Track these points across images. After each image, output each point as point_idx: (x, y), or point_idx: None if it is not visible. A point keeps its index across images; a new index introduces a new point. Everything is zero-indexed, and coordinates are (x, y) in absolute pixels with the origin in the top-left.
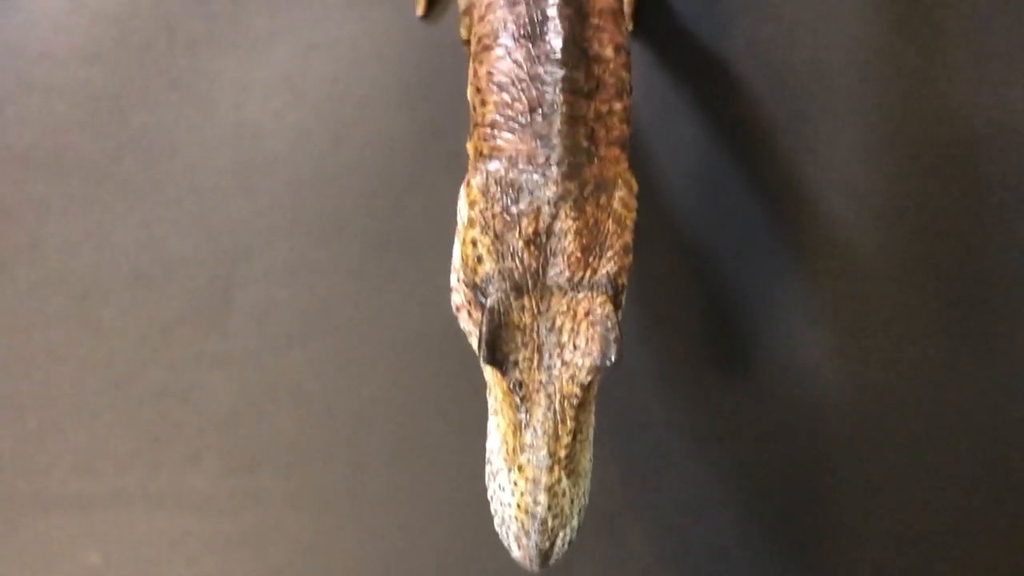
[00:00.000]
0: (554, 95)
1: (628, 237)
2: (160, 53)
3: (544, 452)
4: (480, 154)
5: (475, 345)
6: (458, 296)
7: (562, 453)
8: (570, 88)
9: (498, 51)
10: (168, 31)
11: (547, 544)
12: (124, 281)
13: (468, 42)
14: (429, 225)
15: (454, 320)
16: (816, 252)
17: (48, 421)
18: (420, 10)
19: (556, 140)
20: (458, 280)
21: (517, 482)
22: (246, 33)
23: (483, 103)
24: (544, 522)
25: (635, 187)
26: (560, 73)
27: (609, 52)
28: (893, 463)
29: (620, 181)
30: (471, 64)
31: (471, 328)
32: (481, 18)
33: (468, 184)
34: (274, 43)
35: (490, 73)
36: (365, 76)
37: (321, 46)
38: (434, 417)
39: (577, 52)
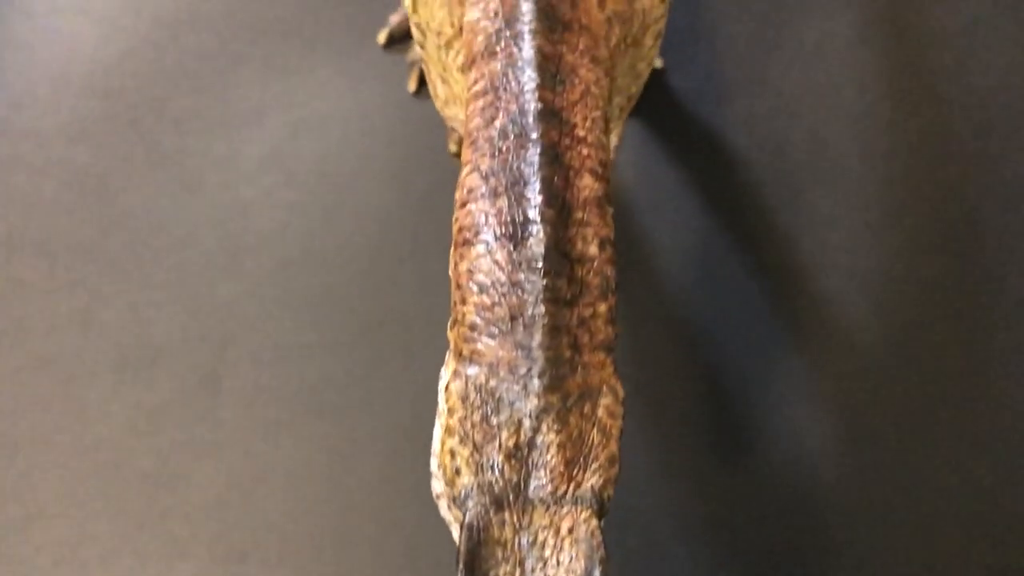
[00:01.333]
0: (535, 307)
1: (614, 447)
2: (147, 130)
3: None
4: (460, 354)
5: (455, 535)
6: (437, 485)
7: None
8: (552, 298)
9: (479, 248)
10: (155, 107)
11: None
12: (110, 364)
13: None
14: (421, 305)
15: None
16: (815, 335)
17: (32, 509)
18: (412, 86)
19: (538, 352)
20: (438, 467)
21: None
22: (235, 109)
23: (463, 301)
24: None
25: (621, 393)
26: (541, 283)
27: (593, 250)
28: (893, 549)
29: (605, 388)
30: (452, 252)
31: (450, 519)
32: (462, 203)
33: (447, 387)
34: (263, 119)
35: (470, 271)
36: (355, 153)
37: (311, 122)
38: (426, 504)
39: (559, 258)
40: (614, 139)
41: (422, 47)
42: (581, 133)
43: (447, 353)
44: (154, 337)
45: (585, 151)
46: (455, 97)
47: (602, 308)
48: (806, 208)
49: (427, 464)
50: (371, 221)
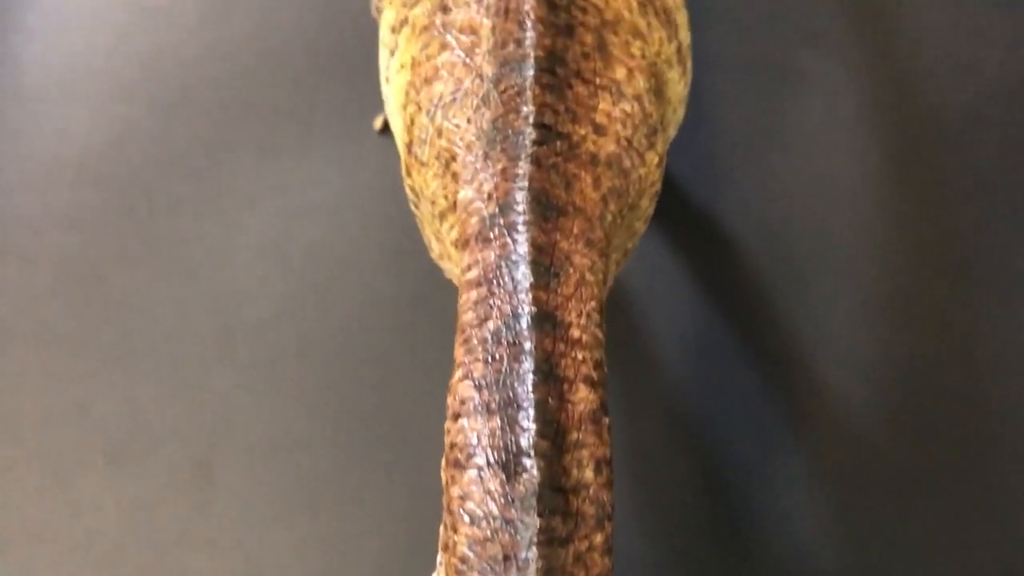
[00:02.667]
0: (528, 549)
1: None
2: (140, 217)
3: None
4: None
5: None
6: None
7: None
8: (546, 539)
9: (471, 473)
10: (149, 195)
11: None
12: (103, 456)
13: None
14: (416, 396)
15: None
16: (814, 421)
17: None
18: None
19: None
20: None
21: None
22: (229, 196)
23: (455, 528)
24: None
25: None
26: (535, 524)
27: (589, 475)
28: None
29: None
30: (444, 467)
31: None
32: (455, 416)
33: None
34: (257, 206)
35: (462, 498)
36: (350, 239)
37: (305, 209)
38: None
39: (553, 495)
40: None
41: (416, 207)
42: (576, 334)
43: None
44: (148, 428)
45: (580, 356)
46: (449, 255)
47: (598, 539)
48: (804, 293)
49: (422, 559)
50: (366, 310)
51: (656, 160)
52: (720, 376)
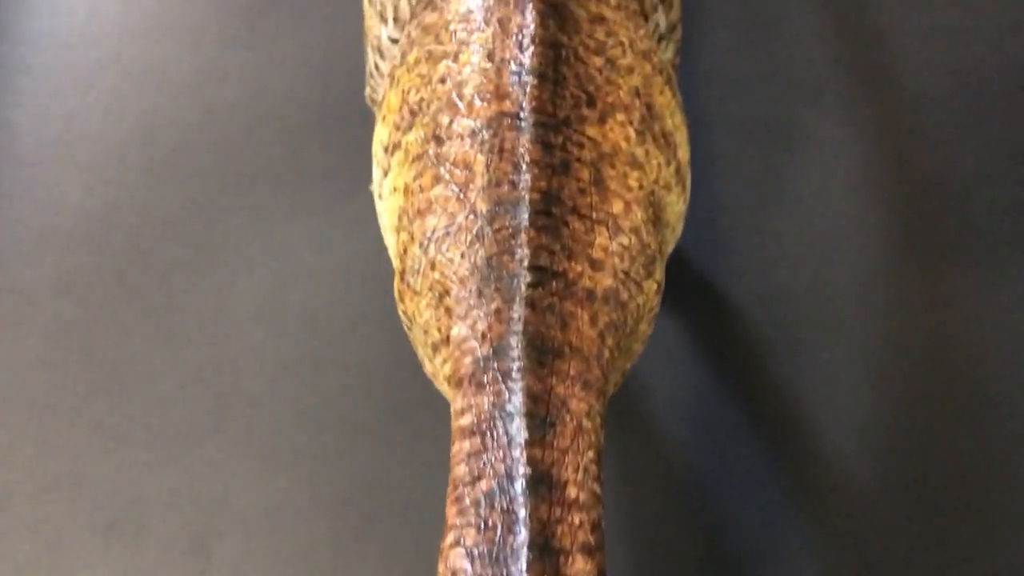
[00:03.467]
0: None
1: None
2: (134, 283)
3: None
4: None
5: None
6: None
7: None
8: None
9: None
10: (142, 260)
11: None
12: (97, 528)
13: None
14: (412, 465)
15: None
16: (818, 492)
17: None
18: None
19: None
20: None
21: None
22: (223, 261)
23: None
24: None
25: None
26: None
27: None
28: None
29: None
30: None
31: None
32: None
33: None
34: (252, 271)
35: None
36: (346, 305)
37: (301, 274)
38: None
39: None
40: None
41: (409, 330)
42: (572, 493)
43: None
44: (142, 499)
45: (577, 520)
46: (442, 383)
47: None
48: (807, 360)
49: None
50: (362, 377)
51: (655, 287)
52: (720, 442)
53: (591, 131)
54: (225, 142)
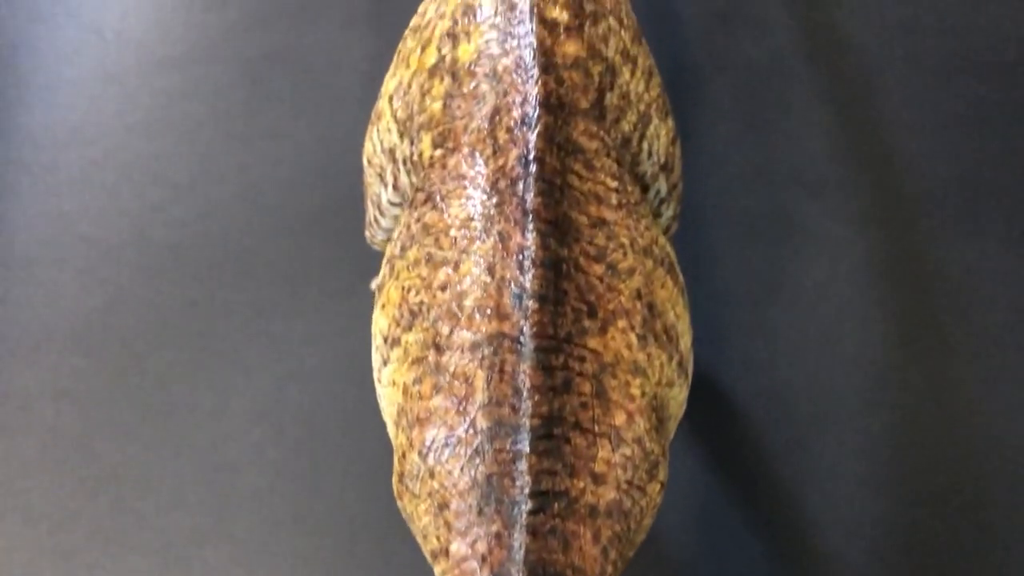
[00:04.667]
0: None
1: None
2: (131, 386)
3: None
4: None
5: None
6: None
7: None
8: None
9: None
10: (139, 362)
11: None
12: None
13: None
14: (414, 569)
15: None
16: None
17: None
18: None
19: None
20: None
21: None
22: (221, 362)
23: None
24: None
25: None
26: None
27: None
28: None
29: None
30: None
31: None
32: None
33: None
34: (251, 372)
35: None
36: (345, 405)
37: (300, 373)
38: None
39: None
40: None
41: (409, 523)
42: None
43: None
44: None
45: None
46: None
47: None
48: (807, 459)
49: None
50: (361, 478)
51: (658, 488)
52: (721, 543)
53: (593, 343)
54: (223, 240)
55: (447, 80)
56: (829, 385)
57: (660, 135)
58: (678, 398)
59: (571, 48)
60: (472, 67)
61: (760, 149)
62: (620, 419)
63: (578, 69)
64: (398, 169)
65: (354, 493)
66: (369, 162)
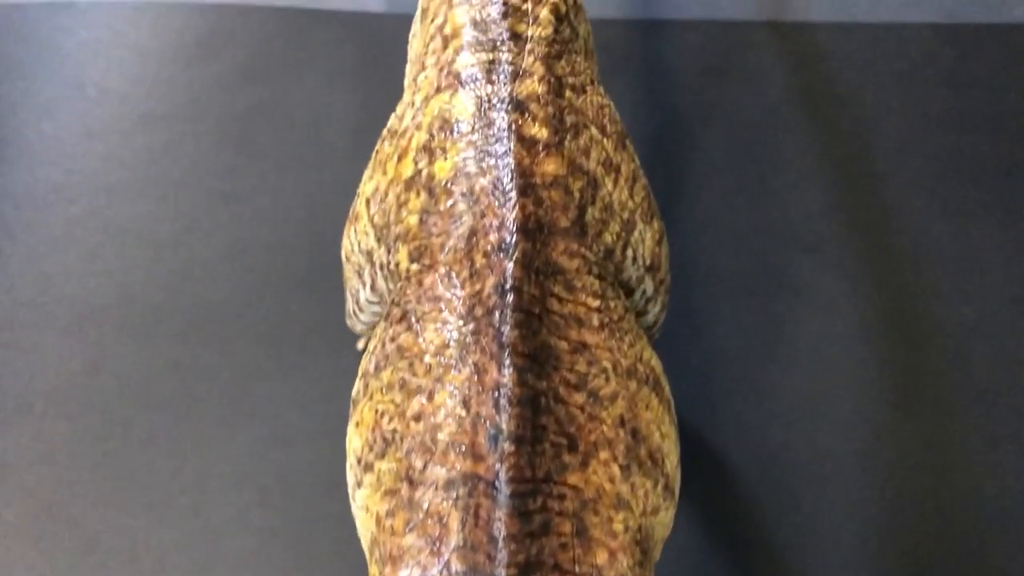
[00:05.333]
0: None
1: None
2: (114, 451)
3: None
4: None
5: None
6: None
7: None
8: None
9: None
10: (122, 426)
11: None
12: None
13: None
14: None
15: None
16: None
17: None
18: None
19: None
20: None
21: None
22: (204, 424)
23: None
24: None
25: None
26: None
27: None
28: None
29: None
30: None
31: None
32: None
33: None
34: (235, 434)
35: None
36: (330, 468)
37: (284, 436)
38: None
39: None
40: None
41: None
42: None
43: None
44: None
45: None
46: None
47: None
48: (804, 522)
49: None
50: (349, 544)
51: None
52: None
53: (573, 479)
54: (206, 300)
55: (424, 195)
56: (825, 446)
57: (645, 239)
58: (664, 521)
59: (550, 167)
60: (449, 185)
61: (753, 205)
62: (602, 558)
63: (558, 188)
64: (375, 272)
65: (340, 560)
66: (347, 258)
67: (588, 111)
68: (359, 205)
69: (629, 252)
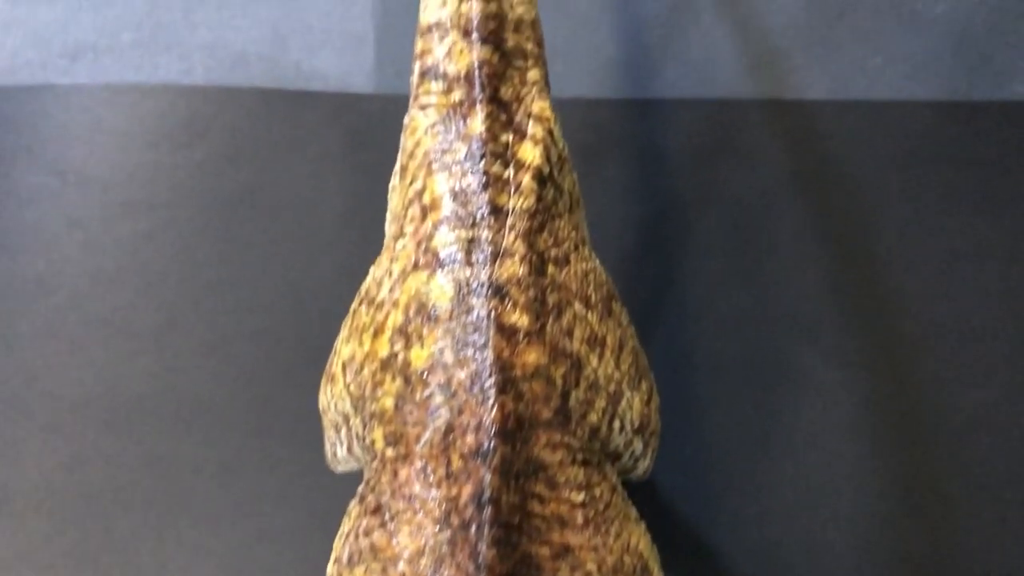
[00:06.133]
0: None
1: None
2: (95, 551)
3: None
4: None
5: None
6: None
7: None
8: None
9: None
10: (104, 524)
11: None
12: None
13: None
14: None
15: None
16: None
17: None
18: None
19: None
20: None
21: None
22: (190, 522)
23: None
24: None
25: None
26: None
27: None
28: None
29: None
30: None
31: None
32: None
33: None
34: (220, 531)
35: None
36: (315, 565)
37: (270, 533)
38: None
39: None
40: None
41: None
42: None
43: None
44: None
45: None
46: None
47: None
48: None
49: None
50: None
51: None
52: None
53: None
54: (191, 392)
55: (399, 381)
56: (824, 541)
57: (633, 405)
58: None
59: (531, 357)
60: (425, 376)
61: (749, 291)
62: None
63: (539, 378)
64: (352, 437)
65: None
66: (324, 412)
67: (572, 284)
68: (335, 366)
69: (616, 424)
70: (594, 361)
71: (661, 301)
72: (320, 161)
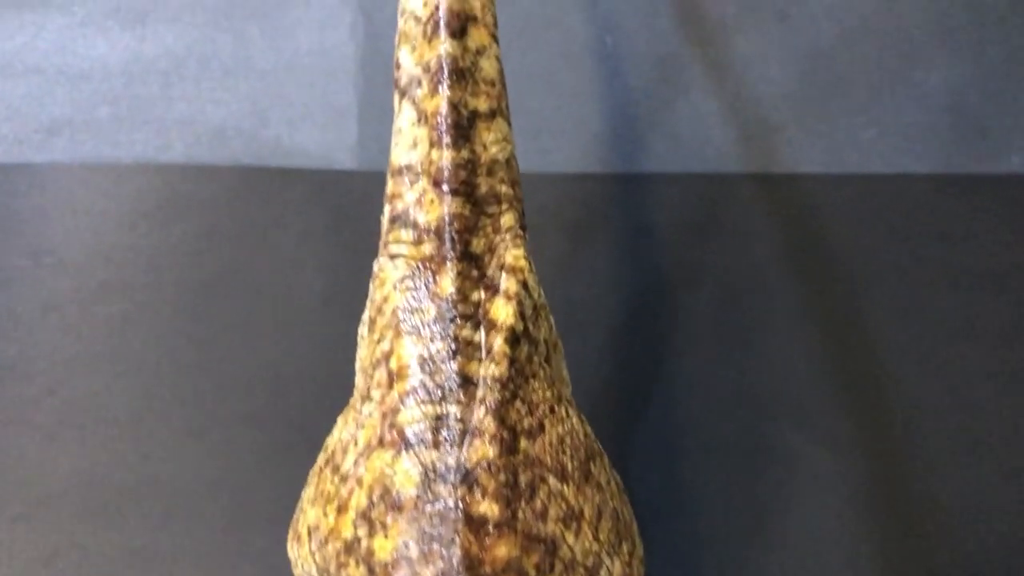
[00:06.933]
0: None
1: None
2: None
3: None
4: None
5: None
6: None
7: None
8: None
9: None
10: None
11: None
12: None
13: None
14: None
15: None
16: None
17: None
18: None
19: None
20: None
21: None
22: None
23: None
24: None
25: None
26: None
27: None
28: None
29: None
30: None
31: None
32: None
33: None
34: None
35: None
36: None
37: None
38: None
39: None
40: None
41: None
42: None
43: None
44: None
45: None
46: None
47: None
48: None
49: None
50: None
51: None
52: None
53: None
54: (170, 480)
55: (363, 569)
56: None
57: (614, 571)
58: None
59: (502, 551)
60: (390, 570)
61: (739, 372)
62: None
63: (510, 573)
64: None
65: None
66: (292, 564)
67: (546, 457)
68: (301, 525)
69: None
70: (570, 539)
71: (649, 382)
72: (302, 240)
